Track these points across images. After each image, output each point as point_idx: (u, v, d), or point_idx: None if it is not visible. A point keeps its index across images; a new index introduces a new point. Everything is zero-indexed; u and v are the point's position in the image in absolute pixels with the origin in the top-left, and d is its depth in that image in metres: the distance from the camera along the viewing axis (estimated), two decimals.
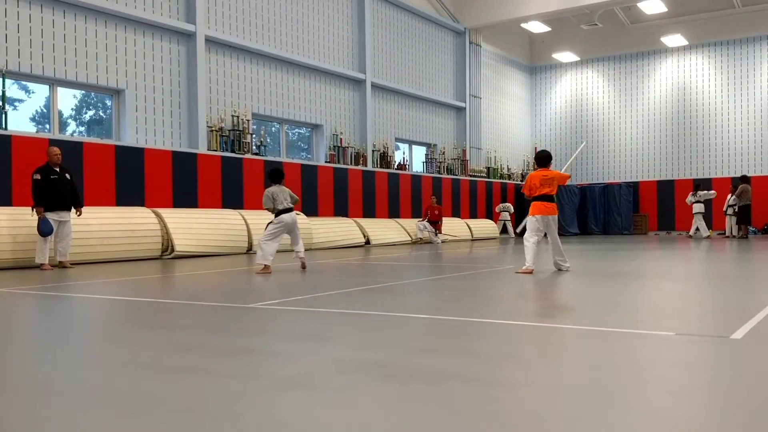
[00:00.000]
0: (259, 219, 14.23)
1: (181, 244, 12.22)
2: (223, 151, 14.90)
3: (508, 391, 2.62)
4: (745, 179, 20.36)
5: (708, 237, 20.49)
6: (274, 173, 9.12)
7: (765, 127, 23.79)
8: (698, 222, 20.86)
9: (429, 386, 2.67)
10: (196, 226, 12.78)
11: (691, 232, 21.06)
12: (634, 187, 25.27)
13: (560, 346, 3.63)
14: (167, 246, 12.24)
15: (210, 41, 15.02)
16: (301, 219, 15.22)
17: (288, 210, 8.96)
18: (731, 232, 20.49)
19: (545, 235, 8.44)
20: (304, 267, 9.04)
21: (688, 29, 24.52)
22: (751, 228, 20.97)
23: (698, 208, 20.90)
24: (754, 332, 3.73)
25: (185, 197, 13.84)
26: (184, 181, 13.87)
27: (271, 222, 8.95)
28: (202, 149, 14.46)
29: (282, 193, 8.97)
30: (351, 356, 3.30)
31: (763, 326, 3.94)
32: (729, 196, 20.76)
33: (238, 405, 2.44)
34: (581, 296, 6.08)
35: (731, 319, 4.34)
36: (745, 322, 4.05)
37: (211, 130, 14.81)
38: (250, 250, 13.62)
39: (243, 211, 14.23)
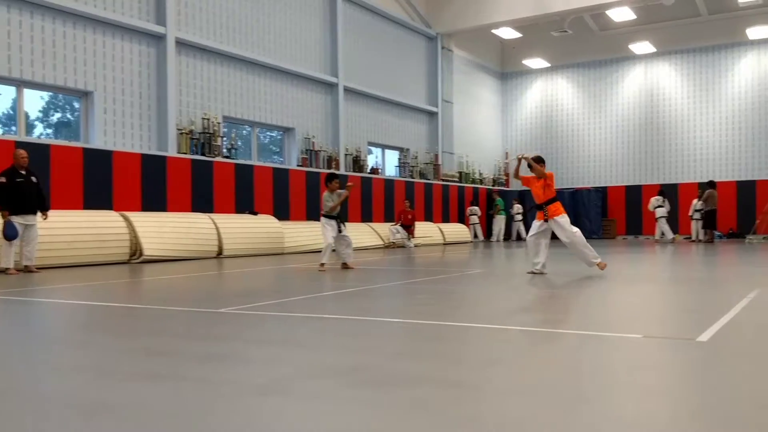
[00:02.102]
0: (229, 223, 14.12)
1: (149, 249, 12.07)
2: (193, 155, 14.76)
3: (481, 395, 2.63)
4: (711, 185, 20.79)
5: (672, 240, 20.86)
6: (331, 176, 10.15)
7: (731, 134, 24.32)
8: (662, 226, 21.26)
9: (403, 391, 2.67)
10: (166, 230, 12.63)
11: (657, 236, 21.43)
12: (602, 192, 25.63)
13: (531, 350, 3.66)
14: (135, 250, 12.07)
15: (180, 43, 14.88)
16: (272, 223, 15.16)
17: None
18: (697, 237, 20.88)
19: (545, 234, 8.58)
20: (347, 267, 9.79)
21: (655, 37, 24.97)
22: (716, 232, 21.39)
23: (661, 212, 21.30)
24: (719, 335, 3.80)
25: (154, 201, 13.67)
26: (154, 185, 13.71)
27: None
28: (171, 152, 14.30)
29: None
30: (324, 361, 3.28)
31: (728, 329, 4.02)
32: (695, 201, 21.17)
33: (211, 411, 2.41)
34: (551, 300, 6.13)
35: (697, 322, 4.42)
36: (710, 325, 4.13)
37: (181, 133, 14.66)
38: (220, 254, 13.50)
39: (213, 215, 14.10)
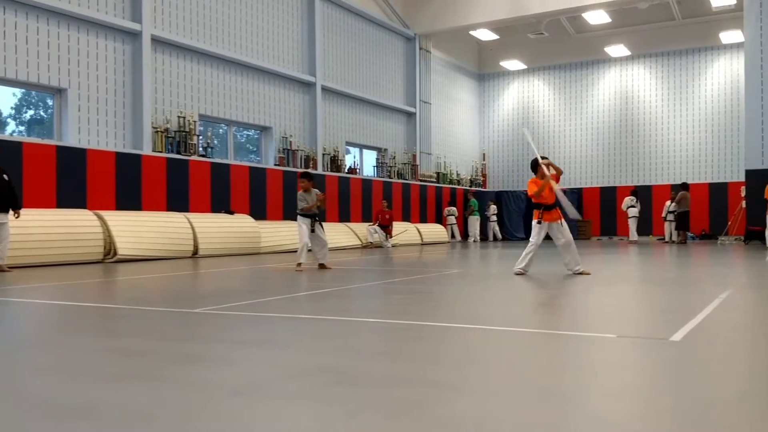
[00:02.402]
0: (205, 222, 14.01)
1: (124, 248, 11.93)
2: (168, 153, 14.63)
3: (458, 395, 2.63)
4: (684, 186, 21.08)
5: (635, 242, 21.10)
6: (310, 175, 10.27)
7: (704, 136, 24.69)
8: (631, 226, 21.54)
9: (380, 391, 2.67)
10: (140, 229, 12.49)
11: (632, 237, 21.69)
12: (578, 193, 25.87)
13: (508, 349, 3.68)
14: (110, 249, 11.93)
15: (156, 41, 14.73)
16: (248, 223, 15.07)
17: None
18: (670, 238, 21.17)
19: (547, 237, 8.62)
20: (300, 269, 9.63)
21: (630, 40, 25.28)
22: (689, 234, 21.70)
23: (633, 212, 21.59)
24: (692, 335, 3.86)
25: (129, 199, 13.52)
26: (128, 183, 13.56)
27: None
28: (146, 150, 14.16)
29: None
30: (299, 361, 3.27)
31: (701, 329, 4.08)
32: (668, 202, 21.46)
33: (185, 412, 2.39)
34: (527, 300, 6.18)
35: (671, 322, 4.48)
36: (683, 324, 4.18)
37: (157, 131, 14.52)
38: (195, 254, 13.39)
39: (189, 214, 13.98)
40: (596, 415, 2.36)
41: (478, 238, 23.93)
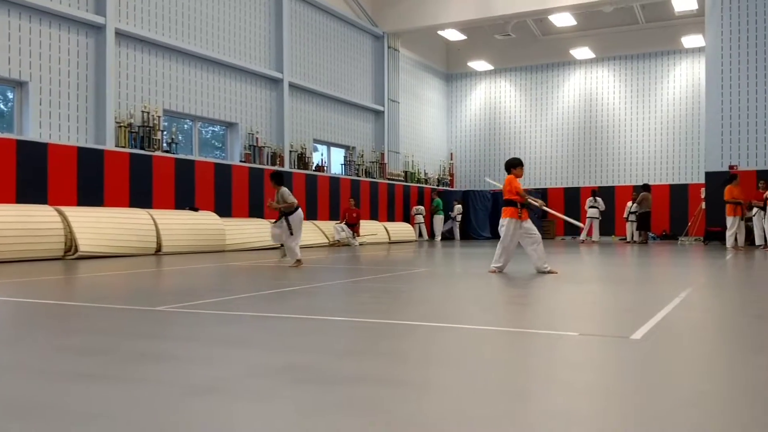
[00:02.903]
0: (169, 219, 13.82)
1: (85, 244, 11.71)
2: (132, 148, 14.40)
3: (423, 393, 2.64)
4: (646, 187, 21.48)
5: (583, 241, 21.38)
6: (280, 175, 10.04)
7: (665, 138, 25.19)
8: (586, 227, 21.77)
9: (345, 389, 2.66)
10: (102, 226, 12.27)
11: (594, 237, 22.00)
12: (543, 193, 26.16)
13: (473, 347, 3.71)
14: (71, 246, 11.70)
15: (121, 34, 14.49)
16: (213, 220, 14.91)
17: (298, 206, 9.87)
18: (632, 238, 21.55)
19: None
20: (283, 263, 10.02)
21: (595, 42, 25.67)
22: (650, 234, 22.12)
23: (592, 213, 21.90)
24: (651, 333, 3.93)
25: (91, 195, 13.28)
26: (90, 179, 13.31)
27: (279, 221, 9.74)
28: (109, 146, 13.92)
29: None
30: (265, 360, 3.24)
31: (661, 327, 4.15)
32: (630, 203, 21.84)
33: (147, 412, 2.35)
34: (493, 298, 6.23)
35: (631, 320, 4.55)
36: (644, 323, 4.26)
37: (120, 126, 14.28)
38: (159, 251, 13.20)
39: (152, 211, 13.78)
40: (558, 411, 2.38)
41: (439, 237, 24.09)
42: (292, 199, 9.71)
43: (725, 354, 3.57)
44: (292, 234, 9.66)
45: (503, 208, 8.71)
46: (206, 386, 2.69)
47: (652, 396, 2.57)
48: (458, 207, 24.89)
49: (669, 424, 2.21)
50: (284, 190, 9.77)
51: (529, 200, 8.78)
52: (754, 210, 16.50)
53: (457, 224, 24.85)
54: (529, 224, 8.56)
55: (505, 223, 8.60)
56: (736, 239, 16.00)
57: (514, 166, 8.80)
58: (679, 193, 24.32)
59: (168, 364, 3.16)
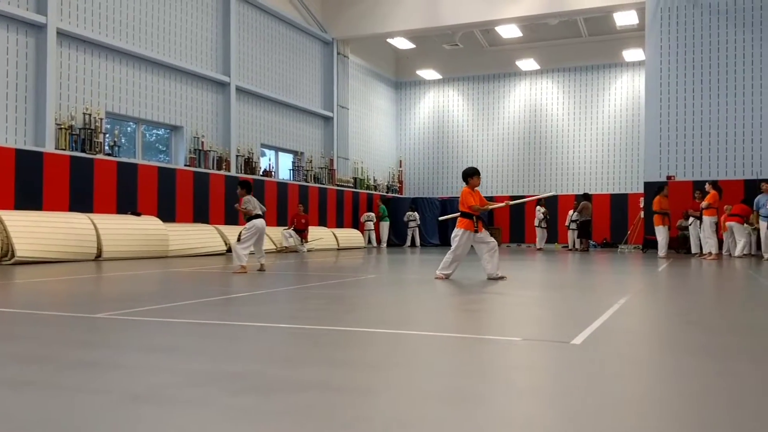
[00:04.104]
0: (110, 224, 13.48)
1: (22, 249, 11.31)
2: (72, 151, 13.99)
3: (367, 399, 2.65)
4: (586, 197, 22.03)
5: (540, 249, 21.89)
6: (247, 184, 10.17)
7: (606, 149, 25.91)
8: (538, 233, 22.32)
9: (289, 396, 2.64)
10: (40, 230, 11.88)
11: (539, 245, 22.43)
12: (490, 201, 26.50)
13: (418, 353, 3.73)
14: (7, 251, 11.29)
15: (62, 34, 14.09)
16: (156, 225, 14.61)
17: (261, 216, 9.88)
18: (574, 246, 22.06)
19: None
20: (263, 269, 9.90)
21: (540, 54, 26.24)
22: (591, 242, 22.68)
23: (537, 221, 22.41)
24: (591, 338, 4.03)
25: (29, 199, 12.84)
26: (28, 182, 12.88)
27: (244, 227, 9.81)
28: (49, 148, 13.50)
29: (256, 201, 9.99)
30: (205, 368, 3.19)
31: (599, 332, 4.27)
32: (571, 212, 22.36)
33: (82, 420, 2.28)
34: (438, 304, 6.28)
35: (571, 325, 4.66)
36: (584, 328, 4.36)
37: (60, 128, 13.87)
38: (99, 256, 12.86)
39: (93, 215, 13.41)
40: (503, 415, 2.42)
41: (386, 243, 24.18)
42: (249, 207, 9.86)
43: (659, 358, 3.69)
44: (239, 240, 9.66)
45: (459, 219, 8.79)
46: (145, 394, 2.63)
47: (589, 398, 2.64)
48: (409, 213, 24.95)
49: (604, 425, 2.27)
50: (247, 197, 9.95)
51: (490, 207, 8.92)
52: (690, 219, 17.10)
53: (414, 230, 24.89)
54: (483, 234, 8.68)
55: (459, 234, 8.68)
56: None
57: (470, 175, 8.83)
58: (619, 202, 25.02)
59: (106, 372, 3.08)
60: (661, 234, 16.11)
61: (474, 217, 8.68)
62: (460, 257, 8.70)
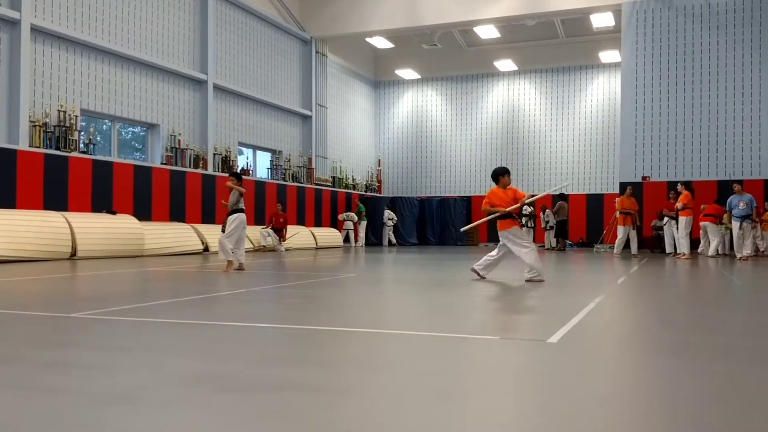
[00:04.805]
0: (85, 223, 13.31)
1: None
2: (47, 149, 13.80)
3: (345, 399, 2.64)
4: (562, 197, 22.22)
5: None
6: (240, 175, 10.18)
7: (583, 150, 26.15)
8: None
9: (265, 397, 2.63)
10: (14, 229, 11.69)
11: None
12: (467, 201, 26.67)
13: (396, 352, 3.74)
14: None
15: (36, 30, 13.88)
16: (131, 223, 14.45)
17: (243, 210, 9.87)
18: (550, 245, 22.23)
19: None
20: (242, 268, 9.77)
21: (517, 55, 26.40)
22: (568, 241, 22.87)
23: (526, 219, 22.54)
24: (567, 336, 4.07)
25: (2, 197, 12.66)
26: (1, 180, 12.68)
27: (229, 218, 9.74)
28: (22, 145, 13.29)
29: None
30: (181, 368, 3.17)
31: (576, 331, 4.31)
32: (548, 211, 22.53)
33: (56, 421, 2.26)
34: (416, 303, 6.29)
35: (549, 324, 4.70)
36: (560, 327, 4.41)
37: (34, 126, 13.66)
38: (74, 255, 12.69)
39: (67, 214, 13.23)
40: (477, 414, 2.44)
41: (364, 242, 24.18)
42: (237, 198, 9.91)
43: (632, 356, 3.74)
44: (224, 231, 9.72)
45: (499, 221, 8.57)
46: (119, 396, 2.61)
47: (566, 396, 2.66)
48: (387, 212, 24.96)
49: (580, 423, 2.30)
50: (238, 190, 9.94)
51: (526, 202, 8.72)
52: (665, 219, 17.32)
53: (390, 230, 24.91)
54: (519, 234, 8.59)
55: (508, 236, 8.51)
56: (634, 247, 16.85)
57: (501, 174, 8.73)
58: (595, 202, 25.26)
59: (80, 373, 3.04)
60: (620, 233, 16.47)
61: (513, 216, 8.55)
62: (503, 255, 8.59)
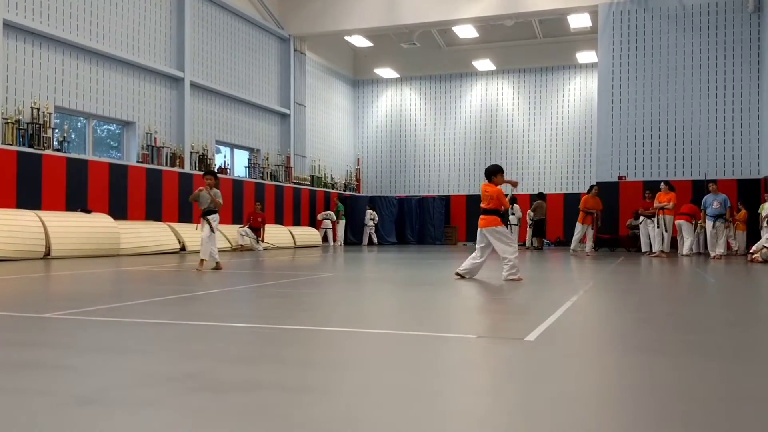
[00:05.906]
0: (59, 221, 13.12)
1: None
2: (19, 146, 13.57)
3: (321, 397, 2.62)
4: (541, 196, 22.36)
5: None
6: (216, 174, 10.08)
7: (560, 150, 26.34)
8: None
9: (242, 396, 2.60)
10: None
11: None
12: (446, 200, 26.74)
13: (373, 351, 3.72)
14: None
15: (9, 26, 13.64)
16: (107, 222, 14.27)
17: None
18: (532, 244, 22.36)
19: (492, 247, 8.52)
20: (219, 267, 9.75)
21: (496, 55, 26.52)
22: (545, 240, 23.03)
23: (511, 220, 22.63)
24: (545, 334, 4.08)
25: None
26: None
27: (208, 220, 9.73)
28: None
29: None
30: (155, 368, 3.12)
31: (553, 329, 4.32)
32: (528, 211, 22.68)
33: (26, 423, 2.20)
34: (394, 302, 6.28)
35: (525, 322, 4.71)
36: (537, 325, 4.42)
37: (7, 123, 13.43)
38: (48, 254, 12.50)
39: (41, 212, 13.03)
40: (453, 412, 2.43)
41: (342, 241, 24.14)
42: (218, 200, 9.87)
43: (610, 354, 3.76)
44: (213, 232, 9.64)
45: (491, 217, 8.52)
46: (90, 396, 2.56)
47: (543, 395, 2.66)
48: (369, 212, 24.91)
49: (558, 421, 2.30)
50: (215, 191, 9.79)
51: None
52: (641, 218, 17.51)
53: (372, 229, 24.86)
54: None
55: (503, 231, 8.53)
56: (588, 246, 17.13)
57: (494, 173, 8.72)
58: (572, 201, 25.41)
59: (50, 373, 2.98)
60: (577, 230, 16.82)
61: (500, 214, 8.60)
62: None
